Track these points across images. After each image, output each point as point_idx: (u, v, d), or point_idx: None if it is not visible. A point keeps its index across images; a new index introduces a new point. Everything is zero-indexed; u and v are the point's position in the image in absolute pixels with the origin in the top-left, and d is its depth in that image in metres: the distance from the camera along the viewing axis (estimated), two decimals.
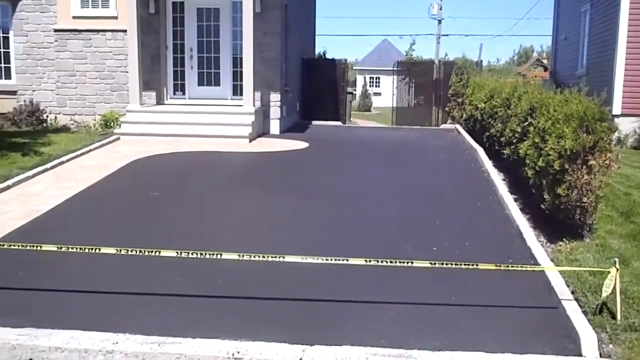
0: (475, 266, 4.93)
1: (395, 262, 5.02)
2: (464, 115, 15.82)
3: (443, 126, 17.58)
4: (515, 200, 8.06)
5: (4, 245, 5.35)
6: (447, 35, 42.54)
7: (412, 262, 4.99)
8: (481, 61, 20.77)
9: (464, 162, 10.89)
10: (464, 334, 4.49)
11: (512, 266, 5.24)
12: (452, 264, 4.85)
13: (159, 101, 14.01)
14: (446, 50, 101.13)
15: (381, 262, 4.91)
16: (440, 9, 37.62)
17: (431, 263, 4.95)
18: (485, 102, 11.92)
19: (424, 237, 6.72)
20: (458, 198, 8.42)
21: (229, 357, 4.18)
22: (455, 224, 7.20)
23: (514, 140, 8.64)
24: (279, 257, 4.81)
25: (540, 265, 5.69)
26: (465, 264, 4.92)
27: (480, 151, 11.44)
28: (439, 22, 38.06)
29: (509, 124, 9.14)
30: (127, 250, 4.90)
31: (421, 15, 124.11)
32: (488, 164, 10.32)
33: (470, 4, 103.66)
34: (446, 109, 18.28)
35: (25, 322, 4.57)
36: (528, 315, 4.83)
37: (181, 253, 4.84)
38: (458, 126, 15.96)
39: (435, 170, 10.31)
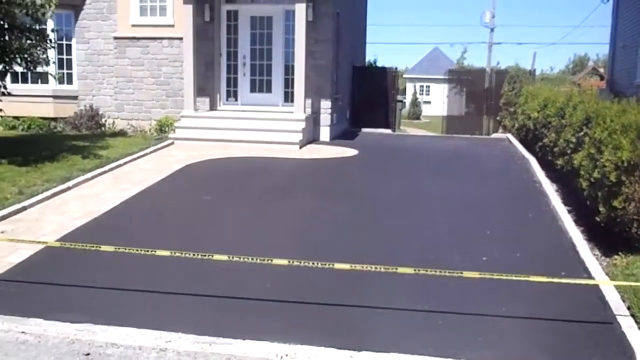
0: (526, 278, 4.86)
1: (445, 271, 5.00)
2: (516, 125, 15.56)
3: (494, 135, 17.34)
4: (569, 211, 7.89)
5: (65, 245, 5.57)
6: (499, 43, 42.00)
7: (461, 273, 4.97)
8: (534, 70, 20.36)
9: (515, 172, 10.72)
10: (513, 346, 4.44)
11: (564, 279, 5.15)
12: (502, 275, 4.80)
13: (212, 107, 14.31)
14: (498, 58, 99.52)
15: (430, 271, 4.91)
16: (493, 17, 37.08)
17: (480, 273, 4.91)
18: (538, 112, 11.70)
19: (474, 247, 6.65)
20: (509, 208, 8.30)
21: None
22: (506, 235, 7.10)
23: (568, 151, 8.47)
24: (329, 265, 4.85)
25: (594, 279, 5.56)
26: (515, 276, 4.86)
27: (533, 161, 11.25)
28: (492, 30, 37.50)
29: (563, 134, 8.96)
30: (181, 253, 5.04)
31: (473, 24, 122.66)
32: (540, 174, 10.14)
33: (524, 11, 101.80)
34: (497, 118, 18.02)
35: (83, 318, 4.76)
36: (581, 330, 4.73)
37: (233, 257, 4.94)
38: (510, 135, 15.71)
39: (486, 179, 10.18)
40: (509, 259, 6.21)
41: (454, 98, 19.57)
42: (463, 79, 19.92)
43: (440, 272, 4.95)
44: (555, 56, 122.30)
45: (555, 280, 4.94)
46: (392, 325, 4.78)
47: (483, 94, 18.68)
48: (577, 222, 7.46)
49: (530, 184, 9.67)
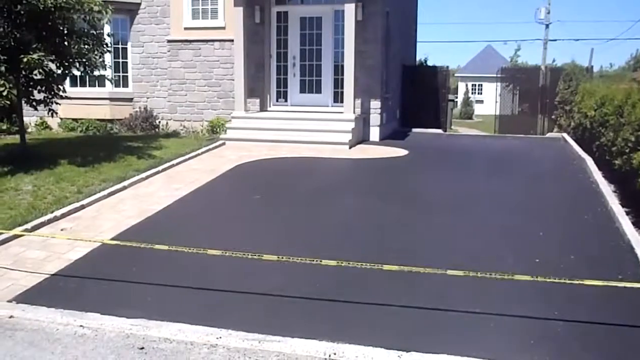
0: (580, 282, 4.73)
1: (496, 274, 4.92)
2: (572, 124, 15.16)
3: (549, 135, 16.92)
4: (627, 213, 7.62)
5: (120, 243, 5.74)
6: (554, 40, 40.87)
7: (513, 275, 4.87)
8: (592, 67, 19.72)
9: (571, 172, 10.44)
10: (566, 351, 4.33)
11: (621, 282, 4.98)
12: (555, 279, 4.68)
13: (263, 108, 14.47)
14: (553, 55, 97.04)
15: (481, 274, 4.83)
16: (548, 12, 36.19)
17: (532, 276, 4.80)
18: (595, 110, 11.36)
19: (527, 248, 6.51)
20: (564, 210, 8.09)
21: (325, 358, 4.27)
22: (559, 237, 6.92)
23: (627, 150, 8.19)
24: (378, 266, 4.84)
25: None
26: (569, 279, 4.73)
27: (589, 161, 10.92)
28: (547, 26, 36.62)
29: (622, 133, 8.66)
30: (232, 253, 5.12)
31: (527, 20, 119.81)
32: (597, 174, 9.84)
33: (581, 7, 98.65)
34: (552, 117, 17.59)
35: (137, 314, 4.90)
36: (638, 337, 4.57)
37: (282, 257, 4.99)
38: (565, 135, 15.30)
39: (540, 180, 9.94)
40: (562, 261, 6.05)
41: (507, 97, 19.20)
42: (517, 77, 19.52)
43: (492, 274, 4.87)
44: (615, 52, 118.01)
45: (612, 283, 4.78)
46: (442, 326, 4.73)
47: (537, 92, 18.26)
48: (636, 224, 7.20)
49: (586, 185, 9.39)
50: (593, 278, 4.82)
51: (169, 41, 15.24)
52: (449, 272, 4.95)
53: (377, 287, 5.43)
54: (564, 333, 4.59)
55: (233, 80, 14.18)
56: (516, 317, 4.84)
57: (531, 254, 6.23)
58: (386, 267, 5.01)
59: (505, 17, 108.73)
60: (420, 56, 23.05)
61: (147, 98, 15.65)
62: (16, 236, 6.74)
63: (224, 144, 12.80)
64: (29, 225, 7.07)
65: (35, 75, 10.05)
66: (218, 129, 14.31)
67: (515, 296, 5.20)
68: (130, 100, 15.72)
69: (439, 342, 4.41)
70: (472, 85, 51.22)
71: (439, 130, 17.35)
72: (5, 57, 9.62)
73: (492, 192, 9.02)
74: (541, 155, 12.74)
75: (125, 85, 15.81)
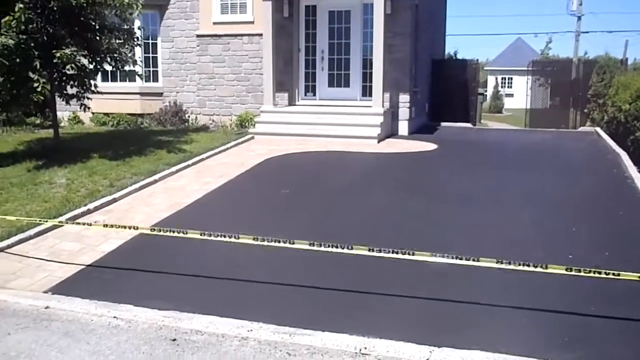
0: (616, 275, 4.63)
1: (529, 265, 4.83)
2: (605, 118, 14.85)
3: (581, 129, 16.60)
4: None
5: (155, 230, 5.81)
6: (587, 32, 40.07)
7: (545, 266, 4.79)
8: (626, 59, 19.28)
9: (604, 167, 10.24)
10: (603, 348, 4.25)
11: None
12: (591, 271, 4.57)
13: (291, 102, 14.49)
14: (586, 48, 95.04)
15: (514, 264, 4.76)
16: (580, 4, 35.52)
17: (567, 269, 4.72)
18: (630, 104, 11.13)
19: (559, 244, 6.41)
20: (597, 205, 7.94)
21: (355, 352, 4.26)
22: (593, 233, 6.79)
23: None
24: (409, 254, 4.81)
25: None
26: (605, 272, 4.63)
27: (624, 156, 10.69)
28: (579, 18, 35.94)
29: None
30: (264, 240, 5.13)
31: (559, 12, 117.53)
32: (632, 169, 9.62)
33: None
34: (585, 110, 17.23)
35: (169, 305, 4.96)
36: None
37: (313, 244, 4.99)
38: (598, 129, 15.00)
39: (572, 175, 9.76)
40: (596, 258, 5.93)
41: (538, 90, 18.88)
42: (548, 70, 19.18)
43: (525, 264, 4.78)
44: None
45: None
46: (473, 321, 4.69)
47: (569, 85, 17.92)
48: None
49: (620, 180, 9.20)
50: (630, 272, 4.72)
51: (198, 36, 15.34)
52: (482, 262, 4.87)
53: (405, 278, 5.40)
54: (601, 329, 4.51)
55: (261, 74, 14.21)
56: (550, 312, 4.77)
57: (563, 250, 6.13)
58: (417, 256, 4.96)
59: (536, 9, 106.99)
60: (449, 49, 22.85)
61: (177, 92, 15.79)
62: (54, 227, 6.87)
63: (252, 138, 12.85)
64: (63, 218, 7.20)
65: (68, 70, 10.21)
66: (247, 123, 14.38)
67: (548, 290, 5.13)
68: (160, 94, 15.88)
69: (470, 337, 4.37)
70: (502, 78, 50.55)
71: (468, 124, 17.17)
72: (39, 53, 9.79)
73: (523, 186, 8.90)
74: (573, 149, 12.52)
75: (155, 80, 15.97)
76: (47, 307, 5.05)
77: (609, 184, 9.12)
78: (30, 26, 9.44)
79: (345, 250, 4.93)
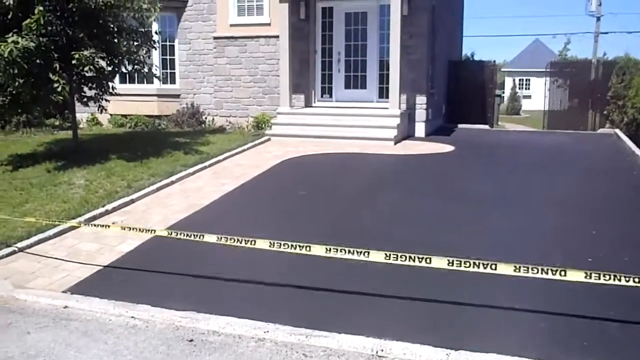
0: (637, 283, 4.56)
1: (547, 270, 4.79)
2: (625, 119, 14.71)
3: (600, 131, 16.42)
4: None
5: (172, 234, 5.83)
6: (606, 33, 39.42)
7: (564, 272, 4.74)
8: None
9: (624, 170, 10.12)
10: (625, 353, 4.19)
11: None
12: (611, 276, 4.52)
13: (307, 104, 14.50)
14: (605, 49, 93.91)
15: (533, 269, 4.71)
16: (600, 4, 35.04)
17: (586, 273, 4.66)
18: None
19: (578, 247, 6.34)
20: (617, 208, 7.84)
21: (372, 355, 4.25)
22: (612, 236, 6.71)
23: None
24: (425, 261, 4.78)
25: None
26: (625, 277, 4.57)
27: None
28: (598, 19, 35.49)
29: None
30: (280, 245, 5.13)
31: (577, 13, 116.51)
32: None
33: None
34: (604, 112, 17.06)
35: (187, 306, 4.98)
36: None
37: (330, 250, 4.98)
38: (618, 131, 14.83)
39: (591, 177, 9.66)
40: (616, 262, 5.86)
41: (556, 92, 18.72)
42: (566, 72, 19.01)
43: (543, 270, 4.73)
44: None
45: None
46: (490, 325, 4.65)
47: (588, 87, 17.74)
48: None
49: None
50: None
51: (215, 38, 15.42)
52: (499, 268, 4.84)
53: (425, 283, 5.37)
54: (619, 335, 4.45)
55: (278, 76, 14.24)
56: (568, 316, 4.72)
57: (583, 253, 6.06)
58: (434, 262, 4.94)
59: (555, 10, 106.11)
60: (466, 51, 22.73)
61: (194, 94, 15.87)
62: (72, 228, 6.94)
63: (269, 139, 12.88)
64: (81, 219, 7.27)
65: (87, 72, 10.32)
66: (263, 125, 14.42)
67: (567, 294, 5.07)
68: (177, 96, 15.97)
69: (487, 340, 4.34)
70: (520, 80, 50.22)
71: (486, 126, 17.07)
72: (59, 55, 9.90)
73: (541, 189, 8.82)
74: (593, 151, 12.39)
75: (173, 81, 16.07)
76: (65, 307, 5.10)
77: (629, 186, 9.02)
78: (50, 28, 9.55)
79: (362, 257, 4.91)
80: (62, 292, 5.43)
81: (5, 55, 8.94)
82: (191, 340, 4.49)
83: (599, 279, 4.38)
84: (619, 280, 4.36)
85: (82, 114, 15.15)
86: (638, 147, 11.60)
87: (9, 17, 9.50)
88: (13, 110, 11.20)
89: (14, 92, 9.85)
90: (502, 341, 4.35)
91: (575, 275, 4.44)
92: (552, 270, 4.49)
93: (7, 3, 9.38)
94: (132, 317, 4.88)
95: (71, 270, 5.91)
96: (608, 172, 10.14)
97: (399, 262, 4.76)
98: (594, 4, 34.70)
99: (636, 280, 4.34)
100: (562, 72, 19.18)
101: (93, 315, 4.95)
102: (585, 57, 30.73)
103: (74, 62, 9.76)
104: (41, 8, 9.24)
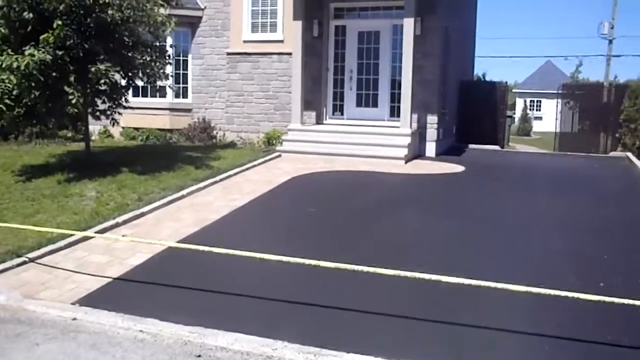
0: None
1: (560, 292, 4.75)
2: (637, 143, 14.63)
3: (612, 154, 16.34)
4: None
5: (181, 246, 5.84)
6: (618, 55, 39.49)
7: (577, 295, 4.70)
8: None
9: (636, 194, 10.06)
10: None
11: None
12: (624, 300, 4.47)
13: (319, 121, 14.53)
14: (617, 71, 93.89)
15: (544, 290, 4.68)
16: (612, 27, 35.06)
17: (599, 296, 4.62)
18: None
19: (590, 272, 6.29)
20: (629, 233, 7.78)
21: None
22: (625, 261, 6.65)
23: None
24: (435, 277, 4.76)
25: None
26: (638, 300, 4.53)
27: None
28: (610, 41, 35.49)
29: None
30: (289, 259, 5.13)
31: (590, 35, 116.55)
32: None
33: None
34: (616, 135, 17.00)
35: (195, 321, 4.96)
36: None
37: (339, 265, 4.96)
38: (630, 154, 14.75)
39: (603, 201, 9.59)
40: (628, 286, 5.80)
41: (567, 114, 18.68)
42: (578, 94, 19.00)
43: (556, 291, 4.70)
44: None
45: None
46: (499, 345, 4.61)
47: (600, 109, 17.70)
48: None
49: None
50: None
51: (228, 54, 15.53)
52: (513, 286, 4.81)
53: (432, 301, 5.34)
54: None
55: (290, 92, 14.30)
56: (581, 341, 4.67)
57: (595, 278, 6.00)
58: (444, 278, 4.91)
59: (567, 32, 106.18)
60: (478, 71, 22.77)
61: (206, 109, 15.96)
62: (83, 239, 6.96)
63: (279, 155, 12.91)
64: (92, 231, 7.29)
65: (101, 85, 10.41)
66: (274, 141, 14.45)
67: (579, 318, 5.02)
68: (189, 110, 16.07)
69: None
70: (531, 101, 50.23)
71: (496, 147, 17.02)
72: (74, 68, 10.00)
73: (553, 212, 8.76)
74: (604, 175, 12.32)
75: (185, 96, 16.18)
76: (74, 319, 5.10)
77: None
78: (68, 42, 9.66)
79: (370, 269, 4.89)
80: (72, 303, 5.44)
81: (22, 67, 9.06)
82: (199, 356, 4.47)
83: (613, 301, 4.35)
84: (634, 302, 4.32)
85: (95, 126, 15.26)
86: None
87: (28, 29, 9.63)
88: (27, 121, 11.32)
89: (29, 103, 9.95)
90: None
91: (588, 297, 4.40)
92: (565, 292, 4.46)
93: (27, 17, 9.52)
94: (140, 330, 4.87)
95: (81, 282, 5.92)
96: (621, 196, 10.06)
97: (410, 275, 4.73)
98: (606, 27, 34.73)
99: None
100: (574, 94, 19.16)
101: (101, 327, 4.95)
102: (597, 80, 30.77)
103: (89, 75, 9.86)
104: (60, 22, 9.36)
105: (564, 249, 7.04)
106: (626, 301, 4.51)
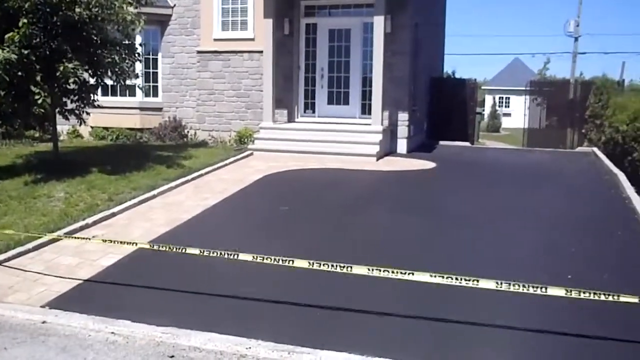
0: (616, 298, 4.62)
1: (528, 287, 4.83)
2: (603, 138, 14.94)
3: (579, 149, 16.67)
4: None
5: (153, 247, 5.79)
6: (584, 53, 40.26)
7: (545, 289, 4.79)
8: (623, 80, 19.47)
9: (602, 188, 10.27)
10: None
11: None
12: (590, 293, 4.58)
13: (290, 119, 14.53)
14: (583, 69, 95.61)
15: (514, 285, 4.76)
16: (577, 25, 35.72)
17: (567, 290, 4.71)
18: (627, 124, 11.22)
19: (558, 264, 6.41)
20: (596, 226, 7.95)
21: None
22: (592, 254, 6.80)
23: None
24: (408, 275, 4.81)
25: None
26: (605, 294, 4.63)
27: (622, 176, 10.73)
28: (576, 39, 36.14)
29: None
30: (263, 258, 5.13)
31: (556, 33, 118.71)
32: (630, 190, 9.65)
33: (612, 19, 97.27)
34: (582, 131, 17.34)
35: (167, 321, 4.93)
36: None
37: (313, 264, 4.98)
38: (596, 149, 15.06)
39: (570, 195, 9.79)
40: (595, 279, 5.93)
41: (535, 110, 18.99)
42: (545, 91, 19.32)
43: (524, 286, 4.78)
44: None
45: None
46: (473, 341, 4.68)
47: (567, 106, 18.04)
48: None
49: (618, 201, 9.23)
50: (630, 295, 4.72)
51: (198, 52, 15.42)
52: (481, 283, 4.88)
53: (403, 298, 5.39)
54: (598, 351, 4.50)
55: (261, 91, 14.26)
56: (552, 333, 4.76)
57: (563, 270, 6.13)
58: (417, 276, 4.96)
59: (534, 29, 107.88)
60: (447, 68, 22.96)
61: (176, 108, 15.83)
62: (52, 241, 6.85)
63: (251, 154, 12.88)
64: (61, 232, 7.18)
65: (70, 85, 10.24)
66: (246, 140, 14.41)
67: (548, 311, 5.12)
68: (160, 110, 15.91)
69: (471, 358, 4.36)
70: (500, 98, 50.87)
71: (466, 143, 17.22)
72: (41, 67, 9.83)
73: (522, 206, 8.91)
74: (571, 169, 12.57)
75: (155, 95, 16.02)
76: (44, 322, 5.03)
77: (607, 204, 9.15)
78: (34, 41, 9.48)
79: (345, 270, 4.92)
80: (41, 306, 5.36)
81: None
82: (172, 357, 4.45)
83: (579, 295, 4.44)
84: (598, 296, 4.42)
85: (63, 126, 15.00)
86: (616, 166, 11.78)
87: None
88: None
89: None
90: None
91: (555, 292, 4.49)
92: (532, 286, 4.54)
93: None
94: (112, 332, 4.83)
95: (50, 284, 5.83)
96: (587, 191, 10.28)
97: (382, 274, 4.77)
98: (572, 25, 35.37)
99: (615, 296, 4.41)
100: (542, 90, 19.49)
101: (72, 330, 4.89)
102: (564, 77, 31.23)
103: (57, 74, 9.70)
104: (25, 21, 9.18)
105: (533, 242, 7.16)
106: (592, 296, 4.62)
